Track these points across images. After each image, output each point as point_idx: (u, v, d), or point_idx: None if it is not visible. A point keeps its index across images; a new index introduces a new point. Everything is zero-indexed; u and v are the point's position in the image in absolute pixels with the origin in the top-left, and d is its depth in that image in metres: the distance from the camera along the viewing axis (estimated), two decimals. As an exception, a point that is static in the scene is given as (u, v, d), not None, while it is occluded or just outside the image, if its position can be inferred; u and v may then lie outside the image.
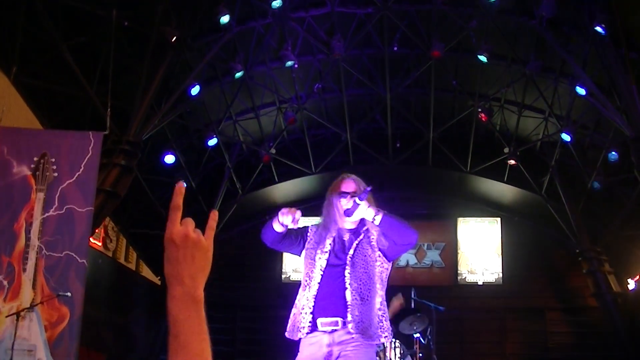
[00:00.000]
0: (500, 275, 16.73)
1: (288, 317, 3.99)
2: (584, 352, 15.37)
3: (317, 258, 3.96)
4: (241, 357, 16.08)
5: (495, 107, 14.88)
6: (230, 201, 15.78)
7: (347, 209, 3.92)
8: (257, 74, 14.12)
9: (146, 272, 16.11)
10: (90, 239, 10.63)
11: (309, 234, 4.14)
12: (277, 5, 11.86)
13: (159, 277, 16.06)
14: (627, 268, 14.74)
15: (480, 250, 17.07)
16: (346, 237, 4.03)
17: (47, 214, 9.01)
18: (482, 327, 16.16)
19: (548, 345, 15.74)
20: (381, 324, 3.85)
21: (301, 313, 3.85)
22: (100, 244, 13.91)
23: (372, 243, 3.98)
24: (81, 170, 9.29)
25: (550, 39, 12.05)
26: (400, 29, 13.18)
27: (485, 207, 17.04)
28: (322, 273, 3.89)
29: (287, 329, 3.93)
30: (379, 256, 3.98)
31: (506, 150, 14.89)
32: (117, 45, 11.03)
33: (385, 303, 3.95)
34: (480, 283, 16.75)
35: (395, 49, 13.57)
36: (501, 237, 17.01)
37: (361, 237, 4.00)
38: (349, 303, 3.79)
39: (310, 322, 3.80)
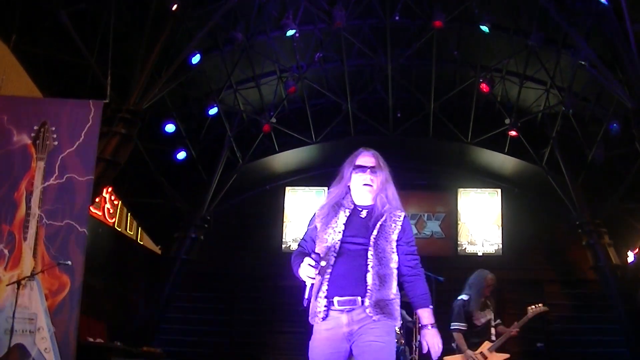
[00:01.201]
0: (500, 246, 16.83)
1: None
2: (583, 325, 15.49)
3: (329, 238, 3.74)
4: (240, 326, 16.24)
5: (497, 78, 14.82)
6: (230, 170, 15.80)
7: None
8: (258, 43, 14.06)
9: (146, 241, 16.23)
10: (91, 207, 10.69)
11: (316, 220, 3.90)
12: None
13: (159, 246, 16.18)
14: (626, 241, 14.84)
15: (480, 221, 17.13)
16: (363, 214, 3.84)
17: (47, 183, 9.07)
18: (481, 298, 16.22)
19: (547, 317, 15.86)
20: (396, 308, 3.71)
21: (317, 298, 3.67)
22: (100, 213, 14.00)
23: (392, 229, 3.80)
24: (81, 139, 9.33)
25: (553, 11, 11.98)
26: (402, -3, 13.08)
27: (486, 178, 17.06)
28: (335, 254, 3.69)
29: (309, 315, 3.78)
30: (396, 245, 3.83)
31: (507, 121, 14.90)
32: (117, 12, 11.01)
33: (398, 288, 3.80)
34: (480, 254, 16.85)
35: (397, 18, 13.46)
36: (501, 208, 17.07)
37: (384, 218, 3.80)
38: (369, 287, 3.63)
39: (325, 306, 3.65)
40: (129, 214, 15.52)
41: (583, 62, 12.20)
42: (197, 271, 15.89)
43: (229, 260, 16.61)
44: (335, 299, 3.64)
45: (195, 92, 14.47)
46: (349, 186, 3.89)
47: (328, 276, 3.67)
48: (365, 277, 3.64)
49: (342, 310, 3.65)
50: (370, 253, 3.68)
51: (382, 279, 3.66)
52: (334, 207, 3.85)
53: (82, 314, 9.08)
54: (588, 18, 11.80)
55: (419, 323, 3.85)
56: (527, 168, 15.97)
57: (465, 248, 16.98)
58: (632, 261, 14.57)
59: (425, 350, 3.74)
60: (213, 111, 14.43)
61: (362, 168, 3.85)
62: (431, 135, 15.96)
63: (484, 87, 14.26)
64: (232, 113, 15.51)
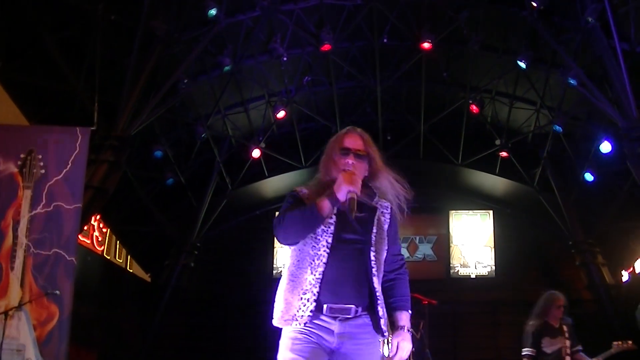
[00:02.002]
0: (493, 268, 16.79)
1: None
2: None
3: (321, 232, 3.26)
4: (233, 353, 16.07)
5: (487, 99, 14.90)
6: (220, 196, 15.76)
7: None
8: (246, 67, 14.05)
9: (136, 269, 16.08)
10: (79, 236, 10.58)
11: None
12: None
13: (148, 274, 16.04)
14: (620, 260, 14.79)
15: (472, 243, 17.11)
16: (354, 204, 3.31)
17: (34, 212, 8.95)
18: (475, 320, 16.18)
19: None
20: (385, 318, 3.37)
21: (301, 298, 3.20)
22: (89, 241, 13.87)
23: (384, 223, 3.42)
24: (69, 166, 9.22)
25: (541, 30, 12.05)
26: (389, 20, 13.14)
27: (477, 199, 17.09)
28: (328, 251, 3.23)
29: (278, 316, 3.28)
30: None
31: (497, 142, 14.97)
32: (104, 39, 10.97)
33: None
34: (472, 276, 16.81)
35: (385, 41, 13.52)
36: (493, 229, 17.06)
37: (378, 211, 3.40)
38: (377, 293, 3.25)
39: (312, 310, 3.18)
40: (118, 242, 15.39)
41: (572, 81, 12.23)
42: (187, 298, 15.77)
43: (219, 287, 16.48)
44: (327, 307, 3.20)
45: (183, 117, 14.42)
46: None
47: (319, 276, 3.21)
48: (368, 283, 3.25)
49: (333, 317, 3.22)
50: (372, 254, 3.28)
51: (381, 284, 3.34)
52: (322, 194, 3.29)
53: (72, 344, 8.92)
54: (576, 36, 11.86)
55: (396, 323, 3.41)
56: (519, 189, 15.99)
57: (458, 270, 16.92)
58: (627, 280, 14.53)
59: (393, 352, 3.33)
60: (202, 136, 14.40)
61: (345, 150, 3.40)
62: (422, 157, 15.98)
63: (473, 108, 14.33)
64: (221, 138, 15.48)
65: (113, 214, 14.15)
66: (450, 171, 16.43)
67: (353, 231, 3.29)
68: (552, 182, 14.96)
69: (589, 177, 14.21)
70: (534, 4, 11.47)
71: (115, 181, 11.28)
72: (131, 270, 16.03)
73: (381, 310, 3.26)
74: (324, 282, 3.21)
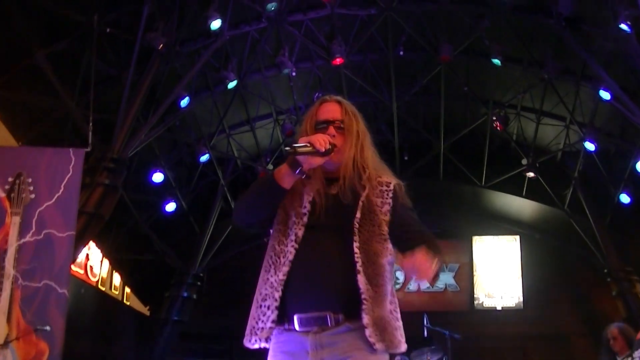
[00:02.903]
0: (521, 298, 16.64)
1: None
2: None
3: (291, 224, 2.86)
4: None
5: (511, 114, 14.78)
6: (224, 222, 15.66)
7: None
8: (251, 83, 14.06)
9: (133, 301, 15.98)
10: (72, 266, 10.50)
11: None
12: (272, 8, 11.78)
13: (147, 307, 15.94)
14: (660, 289, 14.62)
15: (498, 271, 16.99)
16: (334, 189, 2.92)
17: (23, 240, 8.86)
18: (502, 356, 15.95)
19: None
20: (398, 324, 2.83)
21: (260, 306, 2.83)
22: (82, 271, 13.78)
23: (380, 206, 2.93)
24: (61, 191, 9.15)
25: (569, 39, 11.95)
26: (406, 31, 13.12)
27: (503, 224, 16.98)
28: (296, 247, 2.80)
29: (245, 332, 2.95)
30: (387, 224, 2.91)
31: (524, 161, 14.81)
32: (99, 53, 10.95)
33: (395, 294, 2.92)
34: (498, 308, 16.68)
35: (401, 53, 13.49)
36: (521, 256, 16.93)
37: (366, 192, 2.91)
38: (364, 295, 2.70)
39: (273, 321, 2.78)
40: (114, 272, 15.28)
41: (604, 94, 12.12)
42: (190, 333, 15.65)
43: (225, 320, 16.28)
44: (296, 317, 2.76)
45: (184, 137, 14.40)
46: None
47: (283, 277, 2.78)
48: (351, 281, 2.72)
49: (305, 332, 2.76)
50: (355, 245, 2.76)
51: (374, 283, 2.75)
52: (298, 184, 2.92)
53: (64, 384, 8.81)
54: (608, 45, 11.75)
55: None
56: (548, 212, 15.85)
57: (483, 302, 16.82)
58: (668, 311, 14.29)
59: (412, 265, 2.61)
60: (204, 158, 14.36)
61: (322, 124, 2.98)
62: (441, 179, 15.90)
63: (497, 124, 14.23)
64: (225, 159, 15.48)
65: (109, 241, 14.05)
66: (472, 193, 16.36)
67: (328, 219, 2.83)
68: (585, 205, 14.79)
69: (624, 198, 14.03)
70: (561, 11, 11.38)
71: (111, 206, 11.17)
72: (128, 303, 15.91)
73: (367, 318, 2.68)
74: (290, 284, 2.76)
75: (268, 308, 2.79)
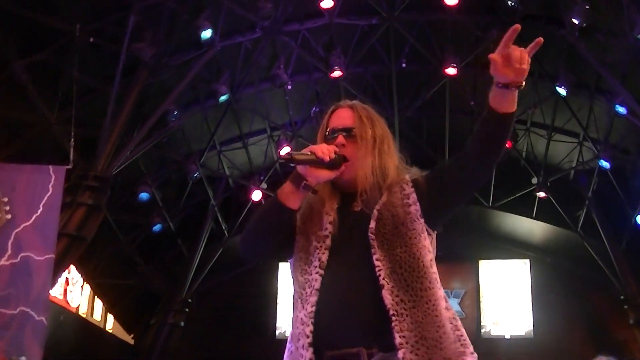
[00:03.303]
0: (531, 326, 16.59)
1: None
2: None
3: (313, 250, 2.69)
4: None
5: (521, 130, 14.77)
6: (215, 245, 15.64)
7: None
8: (244, 96, 14.01)
9: (117, 329, 15.90)
10: (51, 292, 10.41)
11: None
12: (267, 15, 11.75)
13: (131, 335, 15.85)
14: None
15: (506, 297, 16.94)
16: (357, 205, 2.74)
17: (-2, 264, 8.85)
18: (512, 388, 15.95)
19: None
20: (457, 333, 2.60)
21: (297, 349, 2.60)
22: (62, 297, 13.68)
23: (400, 208, 2.70)
24: (40, 211, 9.15)
25: (583, 51, 11.94)
26: (409, 41, 13.08)
27: (512, 246, 16.95)
28: (322, 272, 2.62)
29: None
30: (420, 216, 2.69)
31: (534, 180, 14.79)
32: (82, 64, 10.88)
33: (447, 299, 2.71)
34: (507, 336, 16.63)
35: (404, 65, 13.47)
36: (531, 281, 16.88)
37: (383, 199, 2.71)
38: (391, 310, 2.49)
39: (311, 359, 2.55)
40: (96, 298, 15.21)
41: (620, 109, 12.09)
42: (177, 364, 15.54)
43: (214, 349, 16.33)
44: (329, 356, 2.54)
45: (173, 154, 14.35)
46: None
47: (312, 309, 2.57)
48: (378, 300, 2.51)
49: None
50: (375, 257, 2.57)
51: (409, 292, 2.54)
52: (313, 201, 2.78)
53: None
54: (624, 57, 11.74)
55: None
56: (560, 234, 15.84)
57: (490, 330, 16.79)
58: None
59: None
60: (194, 176, 14.27)
61: (333, 132, 2.81)
62: (446, 199, 15.80)
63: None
64: (217, 178, 15.46)
65: (91, 265, 14.00)
66: (480, 214, 16.35)
67: (353, 240, 2.66)
68: (599, 226, 14.78)
69: (641, 220, 14.00)
70: (575, 21, 11.35)
71: (93, 228, 11.13)
72: (111, 331, 15.84)
73: (399, 338, 2.45)
74: (319, 317, 2.56)
75: (303, 347, 2.55)
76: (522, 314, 16.73)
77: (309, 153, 2.61)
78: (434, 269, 2.67)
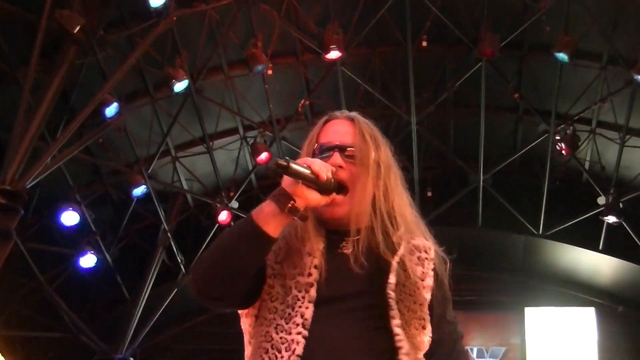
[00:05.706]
0: (597, 396, 16.57)
1: None
2: None
3: (292, 300, 2.67)
4: None
5: (584, 133, 14.76)
6: (168, 284, 15.66)
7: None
8: (209, 85, 14.07)
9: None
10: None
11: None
12: None
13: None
14: None
15: (562, 357, 16.86)
16: (347, 248, 2.76)
17: None
18: None
19: None
20: None
21: None
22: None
23: (419, 276, 2.79)
24: None
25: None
26: (432, 13, 13.09)
27: (570, 290, 16.95)
28: (305, 334, 2.59)
29: None
30: (426, 307, 2.78)
31: (601, 200, 14.75)
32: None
33: None
34: (563, 408, 16.61)
35: (424, 44, 13.55)
36: (597, 336, 16.79)
37: (400, 251, 2.76)
38: None
39: None
40: (3, 357, 15.15)
41: None
42: None
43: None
44: None
45: (111, 161, 14.38)
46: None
47: None
48: None
49: None
50: (394, 323, 2.60)
51: None
52: (296, 237, 2.78)
53: None
54: None
55: None
56: (636, 273, 15.79)
57: (541, 400, 16.78)
58: None
59: None
60: (139, 191, 14.22)
61: (326, 149, 2.83)
62: (480, 224, 15.93)
63: (562, 148, 14.16)
64: (170, 194, 15.51)
65: (-2, 313, 13.89)
66: (526, 246, 16.41)
67: (348, 292, 2.68)
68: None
69: None
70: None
71: (1, 259, 11.00)
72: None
73: None
74: None
75: None
76: (584, 380, 16.74)
77: (305, 166, 2.58)
78: None
